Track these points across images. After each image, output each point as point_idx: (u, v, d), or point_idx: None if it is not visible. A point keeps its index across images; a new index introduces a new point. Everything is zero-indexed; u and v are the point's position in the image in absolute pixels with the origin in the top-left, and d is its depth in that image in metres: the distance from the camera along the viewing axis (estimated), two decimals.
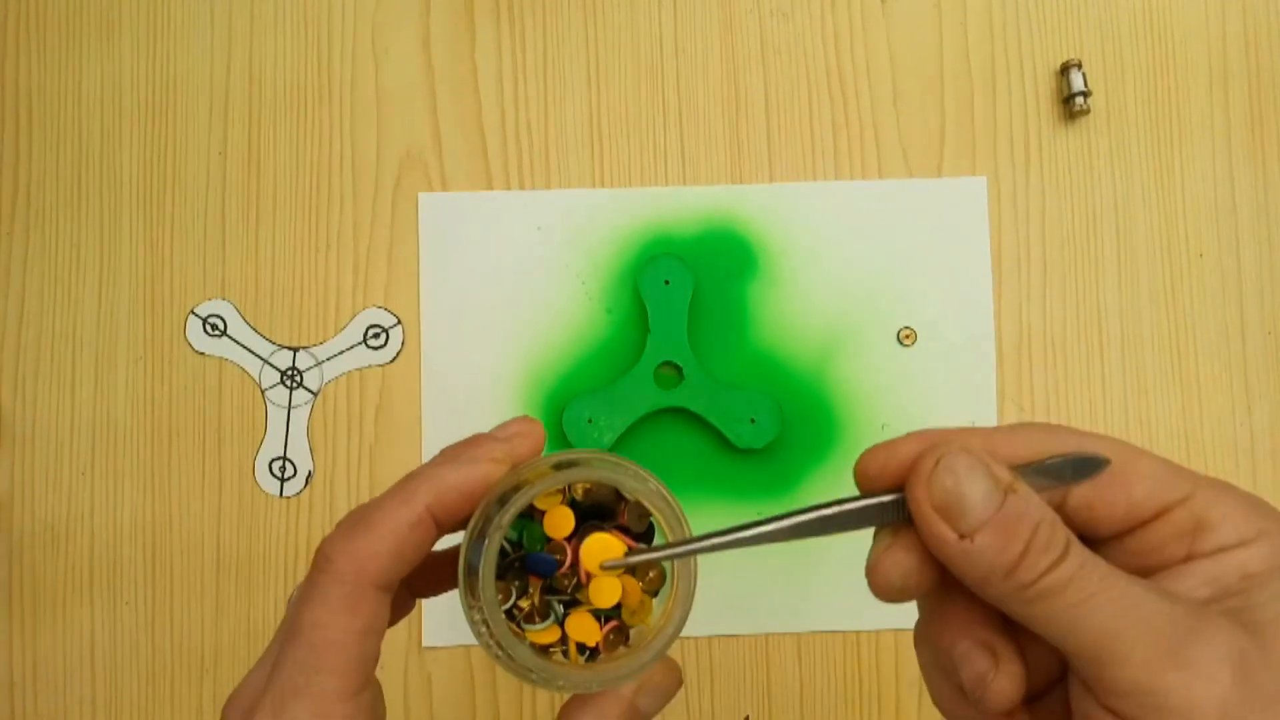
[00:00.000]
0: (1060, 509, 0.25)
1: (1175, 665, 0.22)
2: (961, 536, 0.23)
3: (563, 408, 0.53)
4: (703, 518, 0.54)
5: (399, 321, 0.55)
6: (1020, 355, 0.54)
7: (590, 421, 0.52)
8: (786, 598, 0.53)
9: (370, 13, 0.56)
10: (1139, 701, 0.22)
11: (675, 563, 0.29)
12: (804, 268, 0.55)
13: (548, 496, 0.30)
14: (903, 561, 0.25)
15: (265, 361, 0.54)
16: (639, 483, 0.29)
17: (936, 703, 0.27)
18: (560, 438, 0.53)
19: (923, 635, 0.27)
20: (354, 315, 0.55)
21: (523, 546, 0.30)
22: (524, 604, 0.30)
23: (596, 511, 0.31)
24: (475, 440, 0.31)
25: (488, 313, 0.55)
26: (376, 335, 0.55)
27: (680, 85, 0.56)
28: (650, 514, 0.30)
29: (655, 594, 0.31)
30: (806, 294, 0.55)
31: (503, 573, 0.30)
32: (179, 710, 0.53)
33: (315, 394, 0.54)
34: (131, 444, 0.54)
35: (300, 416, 0.54)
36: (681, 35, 0.56)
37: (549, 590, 0.30)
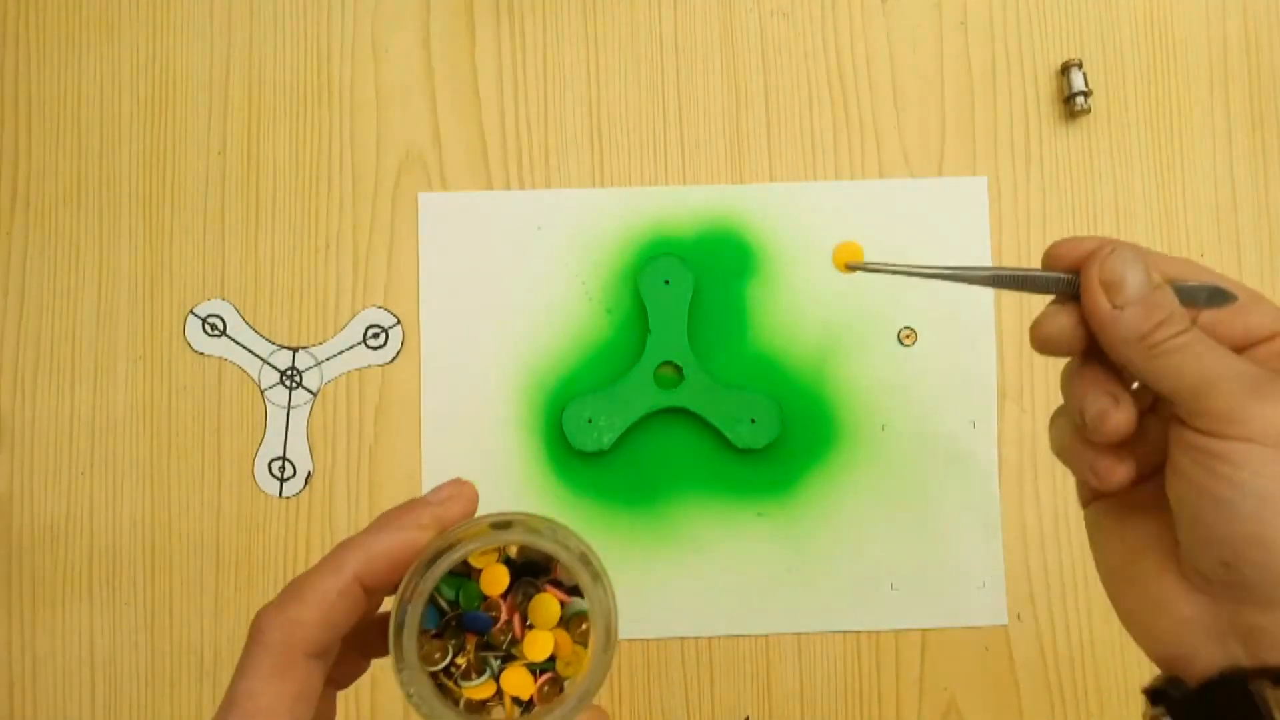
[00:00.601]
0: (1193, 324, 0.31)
1: (1257, 398, 0.28)
2: (1115, 307, 0.31)
3: (563, 408, 0.53)
4: (702, 517, 0.54)
5: (398, 321, 0.55)
6: (1020, 355, 0.54)
7: (590, 421, 0.52)
8: (786, 598, 0.53)
9: (370, 12, 0.56)
10: (1227, 422, 0.28)
11: (592, 613, 0.31)
12: (804, 268, 0.55)
13: (483, 555, 0.32)
14: (1063, 324, 0.32)
15: (265, 361, 0.54)
16: (560, 546, 0.31)
17: (1055, 446, 0.35)
18: (560, 438, 0.53)
19: (1066, 386, 0.34)
20: (353, 315, 0.55)
21: (459, 605, 0.32)
22: (461, 661, 0.32)
23: (530, 568, 0.32)
24: (409, 506, 0.33)
25: (488, 313, 0.55)
26: (376, 335, 0.55)
27: (680, 85, 0.56)
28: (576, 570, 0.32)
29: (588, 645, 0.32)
30: (806, 294, 0.55)
31: (441, 631, 0.32)
32: (178, 710, 0.53)
33: (315, 394, 0.54)
34: (131, 444, 0.54)
35: (300, 416, 0.54)
36: (681, 35, 0.56)
37: (485, 646, 0.32)
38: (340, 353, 0.55)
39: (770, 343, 0.55)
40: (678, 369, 0.53)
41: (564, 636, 0.32)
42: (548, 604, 0.32)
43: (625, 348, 0.54)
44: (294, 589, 0.30)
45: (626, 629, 0.53)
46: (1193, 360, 0.30)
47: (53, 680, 0.53)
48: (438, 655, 0.31)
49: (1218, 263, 0.55)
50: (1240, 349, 0.31)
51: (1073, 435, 0.34)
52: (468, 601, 0.32)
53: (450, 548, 0.31)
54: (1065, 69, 0.55)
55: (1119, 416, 0.31)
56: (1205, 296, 0.32)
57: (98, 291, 0.55)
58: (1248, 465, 0.28)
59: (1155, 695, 0.30)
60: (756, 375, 0.54)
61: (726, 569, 0.53)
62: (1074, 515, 0.54)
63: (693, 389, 0.53)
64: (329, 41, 0.56)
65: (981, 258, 0.55)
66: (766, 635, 0.53)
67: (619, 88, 0.56)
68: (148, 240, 0.55)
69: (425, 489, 0.53)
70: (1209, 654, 0.29)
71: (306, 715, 0.29)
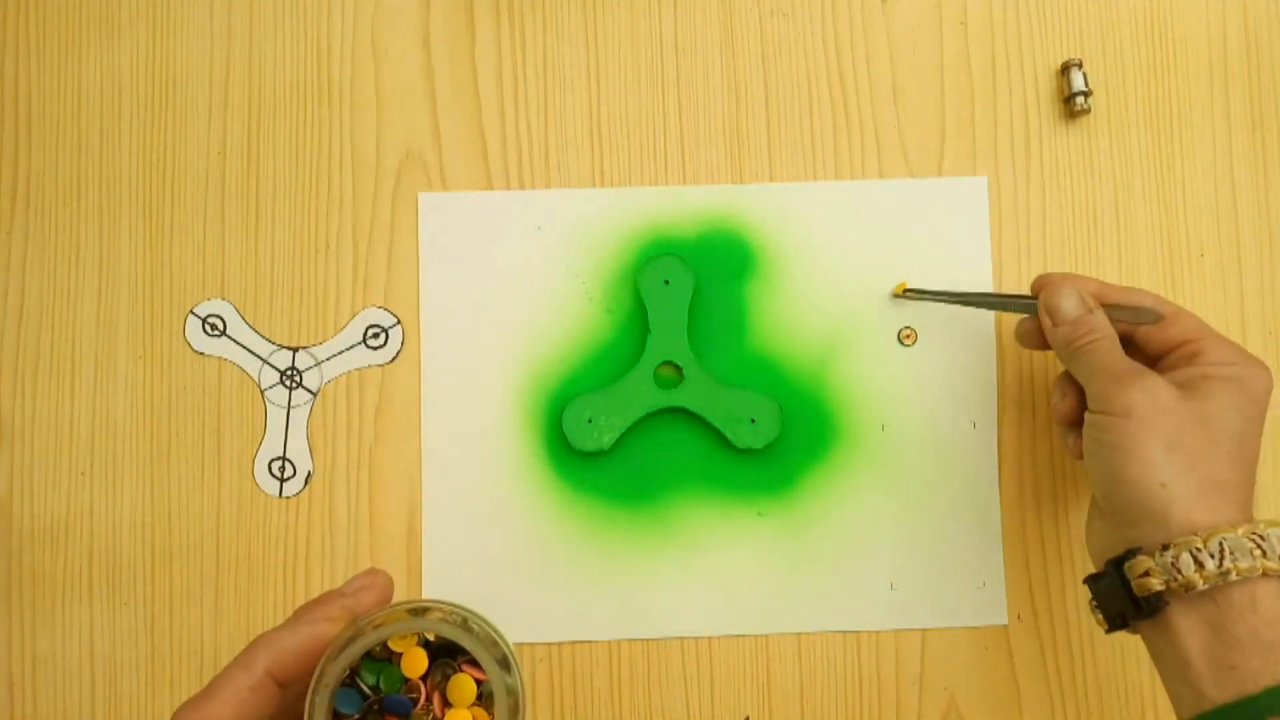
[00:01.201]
0: (1133, 334, 0.47)
1: (1119, 386, 0.43)
2: (1054, 325, 0.46)
3: (563, 408, 0.53)
4: (702, 517, 0.54)
5: (398, 321, 0.55)
6: (1020, 356, 0.54)
7: (590, 421, 0.52)
8: (786, 597, 0.53)
9: (370, 12, 0.56)
10: (1100, 401, 0.43)
11: (498, 696, 0.33)
12: (804, 268, 0.55)
13: (403, 639, 0.34)
14: (1027, 329, 0.50)
15: (265, 361, 0.54)
16: (467, 634, 0.34)
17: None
18: (560, 438, 0.53)
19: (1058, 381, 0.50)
20: (353, 315, 0.55)
21: (381, 689, 0.34)
22: None
23: (448, 649, 0.35)
24: (321, 599, 0.35)
25: (487, 313, 0.55)
26: (376, 335, 0.55)
27: (680, 85, 0.56)
28: (484, 654, 0.34)
29: None
30: (806, 294, 0.55)
31: (364, 715, 0.34)
32: None
33: (315, 394, 0.54)
34: (131, 444, 0.54)
35: (300, 416, 0.54)
36: (681, 35, 0.56)
37: None
38: (340, 353, 0.55)
39: (770, 343, 0.55)
40: (678, 369, 0.53)
41: (482, 714, 0.34)
42: (464, 684, 0.34)
43: (625, 348, 0.54)
44: (210, 686, 0.32)
45: (627, 629, 0.53)
46: (1091, 359, 0.45)
47: (52, 680, 0.53)
48: None
49: (1218, 262, 0.55)
50: (1168, 351, 0.46)
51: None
52: (389, 685, 0.34)
53: (362, 634, 0.33)
54: (1065, 69, 0.55)
55: (1062, 404, 0.48)
56: (1140, 316, 0.46)
57: (98, 291, 0.55)
58: (1111, 430, 0.42)
59: (1088, 579, 0.44)
60: (756, 375, 0.54)
61: (726, 569, 0.53)
62: (1074, 515, 0.54)
63: (692, 389, 0.53)
64: (329, 41, 0.56)
65: (981, 258, 0.55)
66: (766, 635, 0.53)
67: (619, 88, 0.56)
68: (148, 240, 0.55)
69: (425, 489, 0.53)
70: (1109, 553, 0.43)
71: None
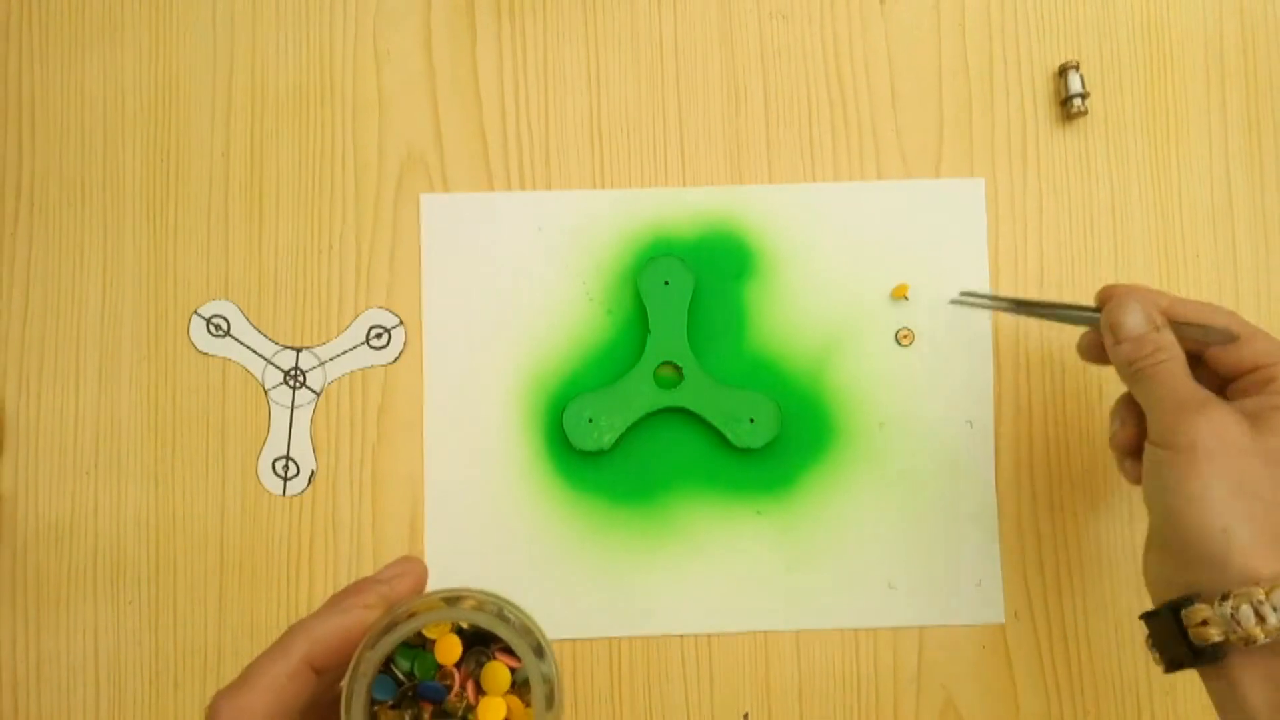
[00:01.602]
0: (1203, 353, 0.43)
1: (1176, 420, 0.40)
2: (1115, 342, 0.43)
3: (563, 408, 0.53)
4: (702, 516, 0.54)
5: (401, 322, 0.55)
6: (1017, 356, 0.55)
7: (590, 421, 0.53)
8: (785, 596, 0.54)
9: (371, 13, 0.57)
10: (1158, 434, 0.40)
11: (534, 683, 0.33)
12: (803, 268, 0.55)
13: (437, 626, 0.34)
14: (1087, 343, 0.47)
15: (268, 361, 0.55)
16: (502, 622, 0.34)
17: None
18: (561, 437, 0.54)
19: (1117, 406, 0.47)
20: (356, 315, 0.55)
21: (415, 675, 0.34)
22: None
23: (482, 637, 0.34)
24: (357, 586, 0.35)
25: (489, 313, 0.55)
26: (379, 335, 0.55)
27: (680, 85, 0.56)
28: (519, 641, 0.34)
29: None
30: (805, 294, 0.55)
31: (398, 702, 0.34)
32: (182, 709, 0.53)
33: (318, 394, 0.55)
34: (135, 443, 0.54)
35: (303, 416, 0.54)
36: (681, 35, 0.57)
37: (441, 715, 0.34)
38: (343, 353, 0.55)
39: (769, 343, 0.55)
40: (677, 369, 0.53)
41: (516, 702, 0.34)
42: (498, 672, 0.34)
43: (625, 348, 0.55)
44: (246, 674, 0.32)
45: (627, 626, 0.53)
46: (1153, 384, 0.42)
47: (57, 680, 0.53)
48: None
49: (1214, 264, 0.55)
50: (1240, 375, 0.42)
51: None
52: (423, 671, 0.34)
53: (400, 622, 0.33)
54: (1063, 71, 0.55)
55: (1121, 432, 0.45)
56: (1211, 335, 0.43)
57: (102, 292, 0.55)
58: (1172, 466, 0.39)
59: (1145, 616, 0.42)
60: (755, 375, 0.55)
61: (725, 567, 0.54)
62: (1071, 514, 0.54)
63: (692, 389, 0.53)
64: (331, 43, 0.56)
65: (978, 259, 0.55)
66: (765, 633, 0.54)
67: (619, 88, 0.56)
68: (152, 241, 0.55)
69: (428, 489, 0.54)
70: (1167, 594, 0.40)
71: None
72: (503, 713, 0.33)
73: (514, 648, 0.33)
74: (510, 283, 0.55)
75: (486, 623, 0.34)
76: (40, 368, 0.54)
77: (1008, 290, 0.55)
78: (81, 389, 0.54)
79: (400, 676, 0.34)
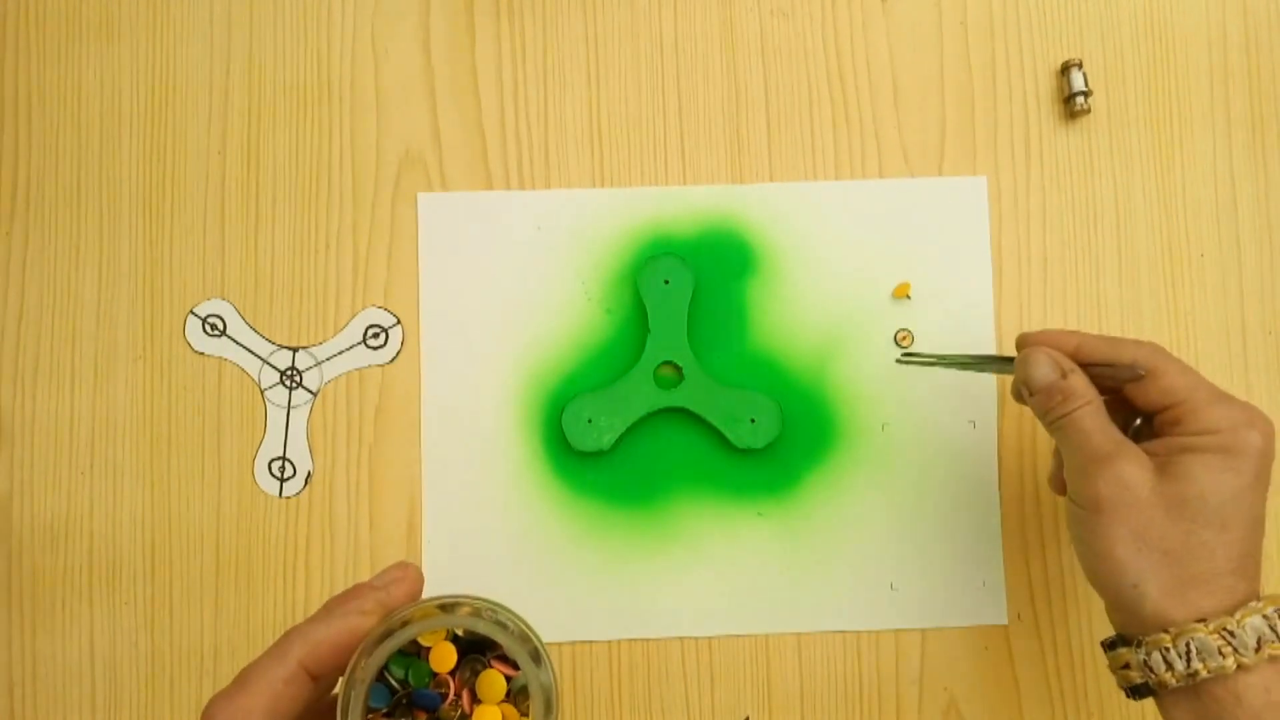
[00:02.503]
0: (1119, 392, 0.43)
1: (1083, 476, 0.40)
2: (1030, 395, 0.43)
3: (562, 408, 0.53)
4: (702, 517, 0.54)
5: (398, 321, 0.55)
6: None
7: (590, 421, 0.52)
8: (786, 597, 0.53)
9: (370, 12, 0.56)
10: (1074, 491, 0.41)
11: (532, 691, 0.33)
12: (803, 268, 0.55)
13: (432, 634, 0.34)
14: (1015, 389, 0.45)
15: (265, 361, 0.54)
16: (500, 628, 0.33)
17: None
18: (560, 438, 0.53)
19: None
20: (353, 315, 0.55)
21: (410, 683, 0.34)
22: None
23: (477, 645, 0.34)
24: (354, 591, 0.35)
25: (487, 313, 0.55)
26: (376, 335, 0.55)
27: (680, 85, 0.56)
28: (517, 649, 0.33)
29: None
30: (806, 294, 0.55)
31: (392, 709, 0.34)
32: (178, 710, 0.53)
33: (314, 394, 0.54)
34: (131, 444, 0.54)
35: (300, 416, 0.54)
36: (681, 35, 0.56)
37: None
38: (340, 353, 0.55)
39: (770, 343, 0.55)
40: (677, 369, 0.53)
41: (511, 711, 0.33)
42: (494, 680, 0.34)
43: (625, 348, 0.54)
44: (242, 678, 0.32)
45: (627, 629, 0.53)
46: (1066, 436, 0.41)
47: (52, 680, 0.53)
48: None
49: (1217, 262, 0.55)
50: (1155, 412, 0.42)
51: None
52: (418, 679, 0.34)
53: (395, 629, 0.33)
54: (1065, 69, 0.55)
55: (1055, 477, 0.45)
56: (1120, 373, 0.42)
57: (98, 291, 0.55)
58: (1082, 524, 0.40)
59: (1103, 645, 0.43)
60: (756, 375, 0.54)
61: (726, 569, 0.53)
62: None
63: (692, 389, 0.53)
64: (329, 41, 0.56)
65: (981, 258, 0.55)
66: (766, 635, 0.53)
67: (619, 88, 0.56)
68: (148, 240, 0.55)
69: (425, 489, 0.53)
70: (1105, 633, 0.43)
71: None
72: None
73: (511, 654, 0.33)
74: (509, 282, 0.55)
75: (484, 629, 0.33)
76: (36, 367, 0.54)
77: (1011, 286, 0.55)
78: (77, 388, 0.54)
79: (395, 684, 0.34)
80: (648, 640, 0.53)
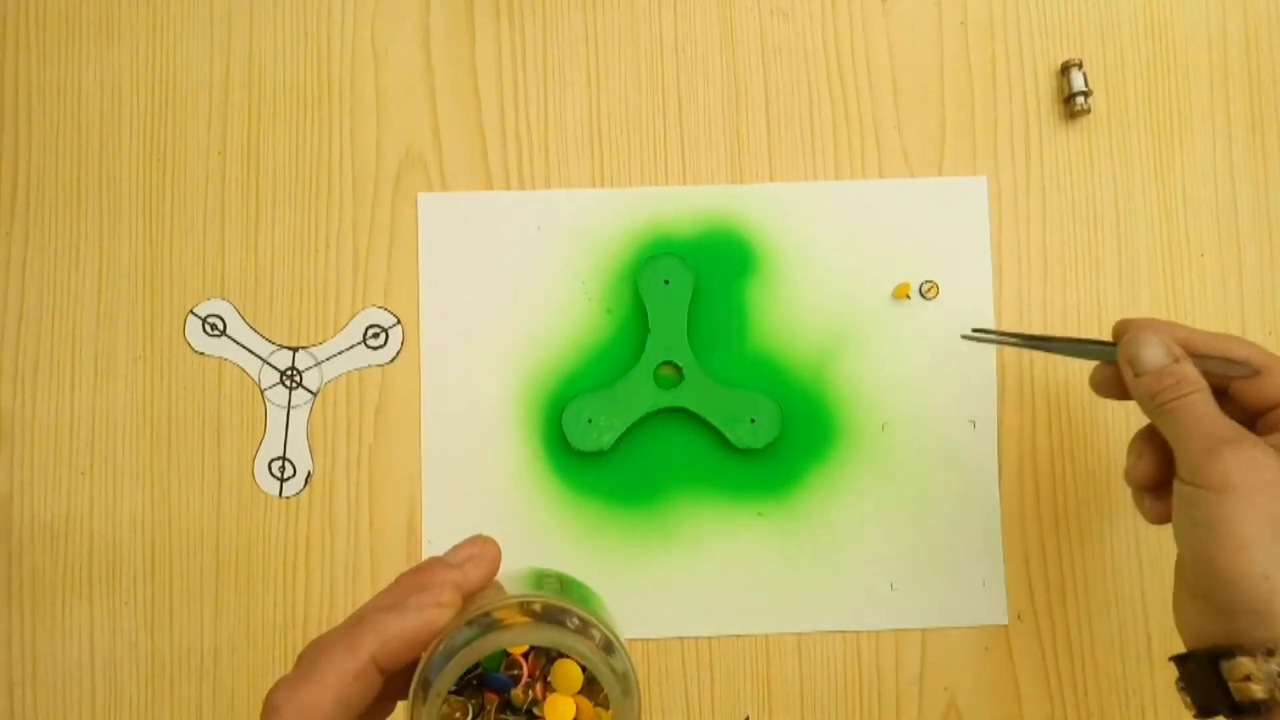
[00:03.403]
0: (1226, 389, 0.41)
1: (1211, 456, 0.37)
2: (1135, 375, 0.41)
3: (562, 408, 0.53)
4: (702, 517, 0.54)
5: (398, 321, 0.55)
6: (1019, 355, 0.54)
7: (590, 421, 0.52)
8: (786, 597, 0.53)
9: (370, 12, 0.56)
10: (1190, 472, 0.38)
11: (610, 685, 0.31)
12: (804, 268, 0.55)
13: (505, 610, 0.31)
14: (1102, 378, 0.44)
15: (264, 361, 0.54)
16: (584, 642, 0.31)
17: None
18: (560, 438, 0.53)
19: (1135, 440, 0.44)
20: (353, 315, 0.55)
21: (480, 664, 0.31)
22: None
23: (538, 621, 0.32)
24: (430, 575, 0.32)
25: (487, 313, 0.55)
26: (376, 335, 0.55)
27: (680, 85, 0.56)
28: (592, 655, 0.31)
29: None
30: (806, 293, 0.55)
31: (462, 689, 0.31)
32: (178, 710, 0.53)
33: (314, 394, 0.54)
34: (131, 443, 0.54)
35: (300, 416, 0.54)
36: (681, 35, 0.56)
37: (506, 706, 0.32)
38: (340, 353, 0.55)
39: (770, 343, 0.55)
40: (677, 369, 0.53)
41: (585, 702, 0.32)
42: (570, 670, 0.31)
43: (625, 348, 0.54)
44: (310, 667, 0.29)
45: (627, 629, 0.53)
46: (1180, 419, 0.39)
47: (52, 680, 0.53)
48: (458, 715, 0.31)
49: (1218, 262, 0.55)
50: (1266, 410, 0.40)
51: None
52: (490, 660, 0.31)
53: (476, 624, 0.30)
54: (1065, 69, 0.55)
55: (1139, 467, 0.42)
56: (1233, 369, 0.41)
57: (98, 291, 0.55)
58: (1205, 507, 0.37)
59: (1175, 658, 0.39)
60: (756, 375, 0.54)
61: (726, 569, 0.53)
62: (1074, 515, 0.54)
63: (692, 389, 0.53)
64: (329, 41, 0.56)
65: (981, 258, 0.55)
66: (766, 635, 0.53)
67: (619, 88, 0.56)
68: (148, 240, 0.55)
69: (425, 489, 0.53)
70: (1201, 638, 0.38)
71: None
72: (572, 713, 0.31)
73: (602, 681, 0.31)
74: (509, 282, 0.55)
75: (576, 651, 0.30)
76: (36, 367, 0.54)
77: (1011, 286, 0.55)
78: (77, 388, 0.54)
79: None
80: (648, 640, 0.53)
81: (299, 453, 0.54)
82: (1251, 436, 0.38)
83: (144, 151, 0.56)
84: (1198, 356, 0.41)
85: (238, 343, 0.54)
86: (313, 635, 0.43)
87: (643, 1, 0.57)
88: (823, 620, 0.53)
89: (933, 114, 0.56)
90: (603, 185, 0.55)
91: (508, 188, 0.55)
